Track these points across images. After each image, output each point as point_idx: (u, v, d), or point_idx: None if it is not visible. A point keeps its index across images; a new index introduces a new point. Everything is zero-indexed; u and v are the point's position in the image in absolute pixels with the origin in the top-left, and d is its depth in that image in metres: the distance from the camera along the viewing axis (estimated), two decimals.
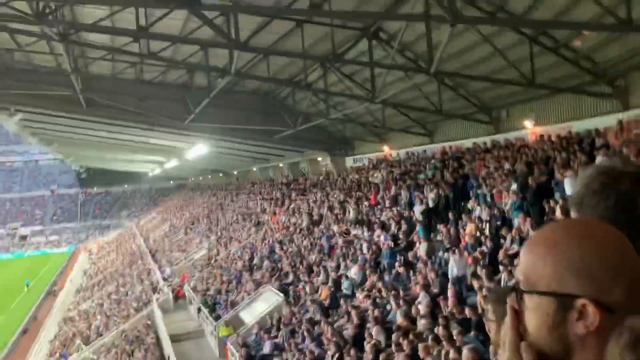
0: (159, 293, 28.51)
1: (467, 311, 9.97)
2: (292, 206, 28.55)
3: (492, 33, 14.30)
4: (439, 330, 9.60)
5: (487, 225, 13.28)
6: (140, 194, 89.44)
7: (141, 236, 51.09)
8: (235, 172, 48.16)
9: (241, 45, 14.01)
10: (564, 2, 11.79)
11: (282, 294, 18.74)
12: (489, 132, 19.45)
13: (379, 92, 17.85)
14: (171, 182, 77.02)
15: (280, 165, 37.32)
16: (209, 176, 55.12)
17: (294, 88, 22.35)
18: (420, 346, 9.46)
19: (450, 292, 11.17)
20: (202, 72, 21.50)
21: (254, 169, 42.66)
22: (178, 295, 27.72)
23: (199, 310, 23.22)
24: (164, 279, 30.87)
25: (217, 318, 20.71)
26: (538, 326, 0.98)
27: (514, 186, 13.25)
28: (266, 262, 23.22)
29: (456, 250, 12.73)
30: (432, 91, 19.06)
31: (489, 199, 14.51)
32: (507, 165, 15.15)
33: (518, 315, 1.02)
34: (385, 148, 26.04)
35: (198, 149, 32.63)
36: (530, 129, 17.52)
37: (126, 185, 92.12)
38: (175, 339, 21.24)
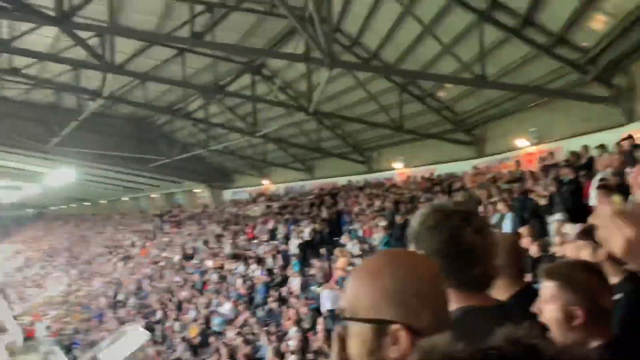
0: (5, 333, 25.39)
1: None
2: (164, 239, 27.35)
3: (366, 79, 15.21)
4: None
5: (358, 259, 13.76)
6: None
7: None
8: (103, 202, 45.15)
9: (115, 68, 13.43)
10: (430, 56, 12.93)
11: (148, 333, 17.69)
12: (363, 171, 20.43)
13: (261, 126, 18.02)
14: (29, 210, 70.11)
15: (154, 195, 35.76)
16: (74, 205, 51.06)
17: (172, 116, 21.76)
18: None
19: (320, 327, 11.31)
20: (72, 94, 20.16)
21: (125, 199, 40.35)
22: (28, 336, 24.93)
23: (52, 352, 21.07)
24: (14, 318, 27.63)
25: None
26: (358, 353, 1.00)
27: (383, 223, 13.96)
28: (132, 299, 21.85)
29: (327, 285, 12.98)
30: (311, 129, 19.67)
31: (360, 235, 15.12)
32: (377, 203, 15.94)
33: (344, 343, 1.04)
34: (265, 182, 26.16)
35: (62, 175, 30.21)
36: (398, 170, 18.71)
37: None
38: None
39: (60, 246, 41.22)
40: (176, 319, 17.67)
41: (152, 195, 35.87)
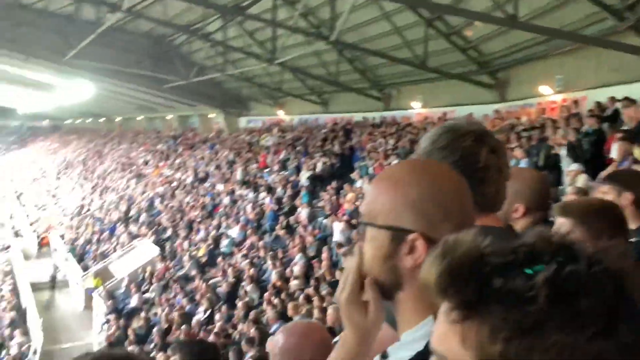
0: (20, 238, 26.38)
1: (338, 274, 10.39)
2: (177, 161, 27.63)
3: (392, 10, 14.65)
4: (310, 291, 9.92)
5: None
6: (7, 130, 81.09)
7: (4, 176, 46.64)
8: (118, 119, 45.35)
9: None
10: None
11: (157, 249, 18.25)
12: (380, 108, 20.13)
13: (279, 53, 17.63)
14: (46, 121, 70.59)
15: (169, 117, 35.80)
16: (89, 120, 51.34)
17: (190, 36, 21.34)
18: (290, 305, 9.73)
19: (324, 255, 11.55)
20: (91, 5, 19.75)
21: (139, 118, 40.45)
22: (43, 243, 25.87)
23: (64, 259, 21.89)
24: (29, 224, 28.57)
25: (85, 268, 19.70)
26: (372, 256, 1.00)
27: (396, 162, 13.90)
28: (144, 216, 22.38)
29: (335, 217, 13.14)
30: (330, 61, 19.22)
31: (371, 172, 15.11)
32: (391, 142, 15.81)
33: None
34: (280, 112, 25.96)
35: (78, 89, 30.19)
36: (416, 110, 18.39)
37: None
38: (36, 287, 19.91)
39: (75, 159, 41.87)
40: (185, 238, 18.14)
41: (166, 117, 35.90)
